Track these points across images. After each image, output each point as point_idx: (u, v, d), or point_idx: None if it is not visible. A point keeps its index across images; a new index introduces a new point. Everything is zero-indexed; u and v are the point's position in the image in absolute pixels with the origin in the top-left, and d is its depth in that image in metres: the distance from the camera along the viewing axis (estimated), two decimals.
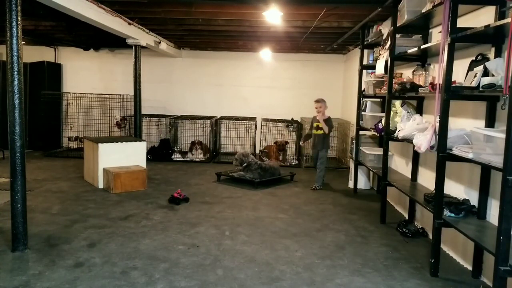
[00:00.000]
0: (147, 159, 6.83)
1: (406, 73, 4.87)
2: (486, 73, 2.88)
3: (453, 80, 3.11)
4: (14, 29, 3.39)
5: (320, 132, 6.27)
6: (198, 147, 8.55)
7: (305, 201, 5.54)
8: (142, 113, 7.77)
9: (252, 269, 3.33)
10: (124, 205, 5.06)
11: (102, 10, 5.32)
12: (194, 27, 6.79)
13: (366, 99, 6.05)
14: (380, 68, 4.78)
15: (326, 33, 6.83)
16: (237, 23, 6.32)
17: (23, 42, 3.54)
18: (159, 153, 8.43)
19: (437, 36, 3.76)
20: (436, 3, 3.32)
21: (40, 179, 6.29)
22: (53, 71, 9.61)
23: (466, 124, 3.47)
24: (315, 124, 6.33)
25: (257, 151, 8.80)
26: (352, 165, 6.33)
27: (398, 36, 4.41)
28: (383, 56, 4.70)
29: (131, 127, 8.28)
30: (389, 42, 4.47)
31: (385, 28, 4.95)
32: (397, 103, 4.68)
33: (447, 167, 3.22)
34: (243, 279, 3.14)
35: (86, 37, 8.60)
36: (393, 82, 4.47)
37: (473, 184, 3.42)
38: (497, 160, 2.51)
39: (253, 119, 9.14)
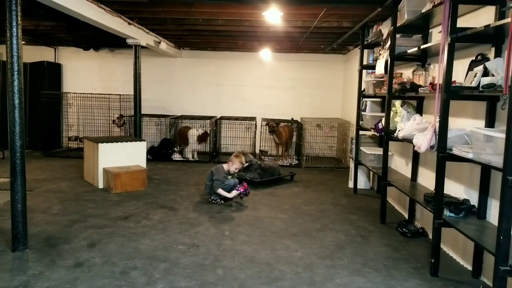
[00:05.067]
0: (147, 159, 6.83)
1: (406, 73, 4.87)
2: (486, 73, 2.88)
3: (453, 80, 3.11)
4: (14, 29, 3.39)
5: None
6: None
7: (305, 201, 5.54)
8: (142, 113, 7.77)
9: (252, 269, 3.33)
10: (124, 205, 5.06)
11: (102, 10, 5.32)
12: (194, 27, 6.79)
13: (366, 99, 6.05)
14: (380, 68, 4.78)
15: (326, 33, 6.83)
16: (237, 23, 6.32)
17: (23, 42, 3.54)
18: (159, 153, 8.42)
19: (437, 36, 3.76)
20: (436, 3, 3.32)
21: (40, 179, 6.29)
22: (53, 71, 9.61)
23: (466, 124, 3.47)
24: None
25: (257, 151, 8.81)
26: (352, 165, 6.32)
27: (398, 36, 4.40)
28: (383, 56, 4.70)
29: (131, 127, 8.28)
30: (389, 42, 4.47)
31: (385, 28, 4.95)
32: (397, 103, 4.68)
33: (447, 167, 3.22)
34: (243, 279, 3.14)
35: (86, 37, 8.59)
36: (393, 82, 4.47)
37: (473, 184, 3.42)
38: (497, 160, 2.51)
39: (253, 119, 9.13)
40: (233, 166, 5.56)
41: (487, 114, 3.18)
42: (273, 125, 8.29)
